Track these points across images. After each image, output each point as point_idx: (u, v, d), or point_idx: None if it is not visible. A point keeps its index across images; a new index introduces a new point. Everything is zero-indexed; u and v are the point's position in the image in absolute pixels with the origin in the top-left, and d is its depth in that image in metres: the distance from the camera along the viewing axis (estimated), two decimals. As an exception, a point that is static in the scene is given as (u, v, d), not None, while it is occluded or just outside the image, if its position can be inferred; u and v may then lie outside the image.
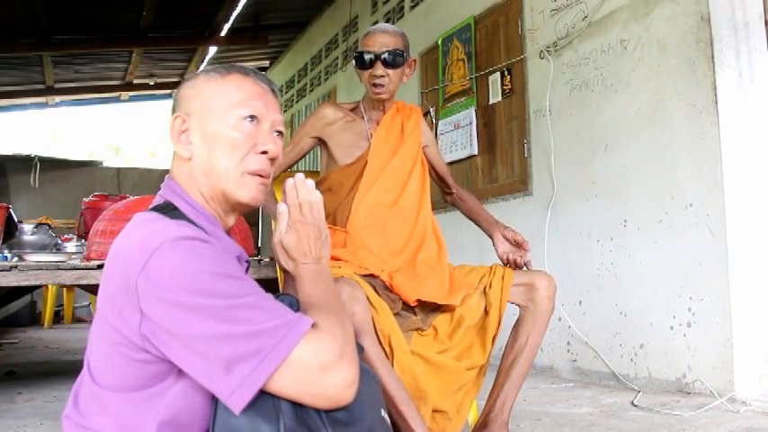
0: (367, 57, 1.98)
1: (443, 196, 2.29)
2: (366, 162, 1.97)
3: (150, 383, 0.93)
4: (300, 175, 1.12)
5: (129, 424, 0.94)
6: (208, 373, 0.87)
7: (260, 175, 1.08)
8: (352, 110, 2.09)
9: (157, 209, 1.05)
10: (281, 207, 1.11)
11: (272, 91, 1.13)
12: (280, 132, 1.12)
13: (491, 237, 2.07)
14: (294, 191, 1.11)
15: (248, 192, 1.07)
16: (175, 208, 1.05)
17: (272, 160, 1.09)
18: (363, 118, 2.05)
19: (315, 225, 1.11)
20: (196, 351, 0.87)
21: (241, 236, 2.94)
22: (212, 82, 1.09)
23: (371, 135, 2.03)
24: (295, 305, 1.01)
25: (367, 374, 0.98)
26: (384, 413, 1.01)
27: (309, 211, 1.11)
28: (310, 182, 1.12)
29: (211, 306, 0.87)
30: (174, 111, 1.11)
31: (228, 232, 1.14)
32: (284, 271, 1.17)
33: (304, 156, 2.11)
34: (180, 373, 0.93)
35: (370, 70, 1.98)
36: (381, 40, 1.99)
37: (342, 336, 0.93)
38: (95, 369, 0.98)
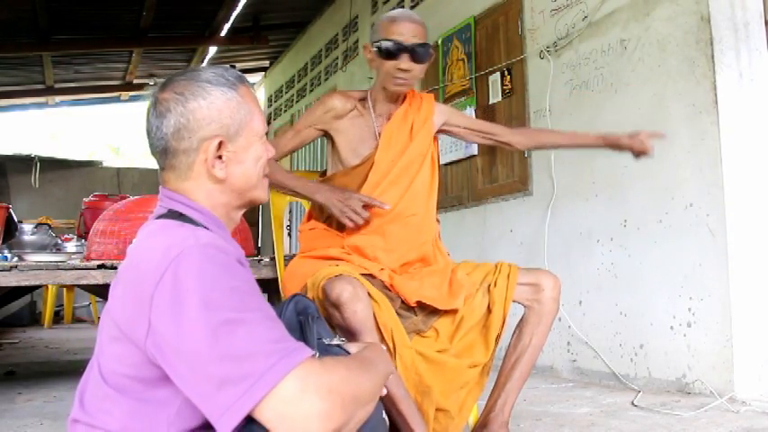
0: (394, 47, 1.79)
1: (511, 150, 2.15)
2: (373, 163, 1.89)
3: (163, 384, 0.93)
4: None
5: (141, 425, 0.94)
6: (200, 392, 0.86)
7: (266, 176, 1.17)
8: (361, 100, 1.96)
9: (164, 217, 1.05)
10: None
11: None
12: None
13: (610, 146, 2.00)
14: None
15: (266, 192, 1.17)
16: (182, 215, 1.05)
17: None
18: (371, 112, 1.94)
19: None
20: (192, 368, 0.86)
21: (241, 236, 2.94)
22: (232, 100, 1.08)
23: (380, 133, 1.92)
24: (302, 309, 1.00)
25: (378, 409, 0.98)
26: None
27: None
28: None
29: (215, 321, 0.86)
30: (187, 127, 1.05)
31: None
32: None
33: (305, 145, 2.00)
34: None
35: (394, 62, 1.81)
36: (411, 29, 1.82)
37: (343, 376, 0.88)
38: (107, 370, 0.97)
